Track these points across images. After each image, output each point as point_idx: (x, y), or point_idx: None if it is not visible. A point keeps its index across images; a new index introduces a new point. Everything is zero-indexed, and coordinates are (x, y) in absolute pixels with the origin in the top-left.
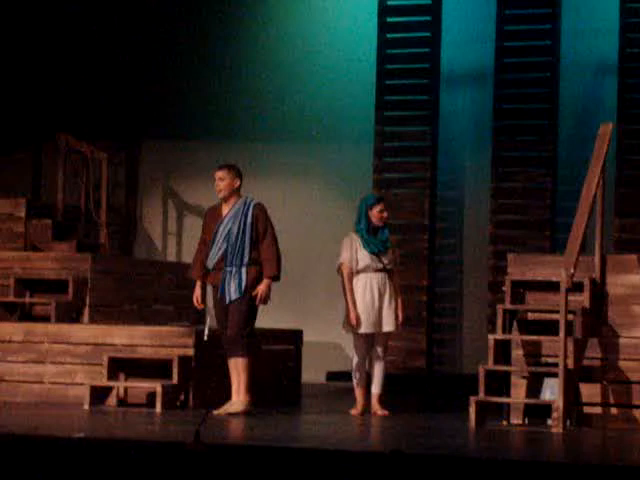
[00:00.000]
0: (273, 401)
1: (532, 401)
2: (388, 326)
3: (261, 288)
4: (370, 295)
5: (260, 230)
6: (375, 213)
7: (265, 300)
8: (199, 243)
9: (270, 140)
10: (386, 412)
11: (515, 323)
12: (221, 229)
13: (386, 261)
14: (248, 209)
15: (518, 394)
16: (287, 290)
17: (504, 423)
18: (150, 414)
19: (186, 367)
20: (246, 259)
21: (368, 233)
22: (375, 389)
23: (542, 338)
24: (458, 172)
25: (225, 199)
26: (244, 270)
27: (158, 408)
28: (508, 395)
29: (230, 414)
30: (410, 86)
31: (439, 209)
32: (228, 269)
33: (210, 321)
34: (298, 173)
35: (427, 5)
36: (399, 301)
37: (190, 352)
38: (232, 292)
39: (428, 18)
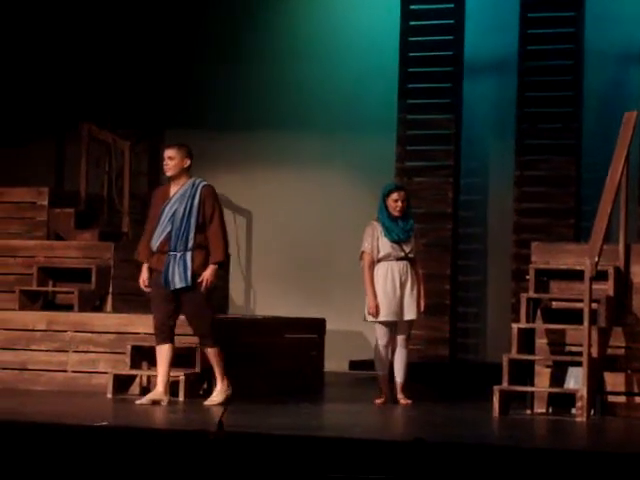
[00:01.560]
0: (296, 390)
1: (556, 390)
2: (410, 314)
3: (206, 274)
4: (391, 283)
5: (207, 213)
6: (391, 202)
7: (211, 286)
8: (147, 223)
9: (292, 129)
10: (409, 401)
11: (539, 312)
12: (167, 210)
13: (408, 249)
14: (196, 190)
15: (542, 383)
16: (310, 279)
17: (528, 412)
18: (173, 403)
19: None
20: (191, 243)
21: (389, 221)
22: (398, 378)
23: (566, 327)
24: (482, 160)
25: (173, 179)
26: (189, 255)
27: (181, 397)
28: (532, 384)
29: (215, 404)
30: (433, 74)
31: (462, 197)
32: (172, 253)
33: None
34: (320, 162)
35: None
36: (421, 289)
37: None
38: (177, 280)
39: (451, 5)
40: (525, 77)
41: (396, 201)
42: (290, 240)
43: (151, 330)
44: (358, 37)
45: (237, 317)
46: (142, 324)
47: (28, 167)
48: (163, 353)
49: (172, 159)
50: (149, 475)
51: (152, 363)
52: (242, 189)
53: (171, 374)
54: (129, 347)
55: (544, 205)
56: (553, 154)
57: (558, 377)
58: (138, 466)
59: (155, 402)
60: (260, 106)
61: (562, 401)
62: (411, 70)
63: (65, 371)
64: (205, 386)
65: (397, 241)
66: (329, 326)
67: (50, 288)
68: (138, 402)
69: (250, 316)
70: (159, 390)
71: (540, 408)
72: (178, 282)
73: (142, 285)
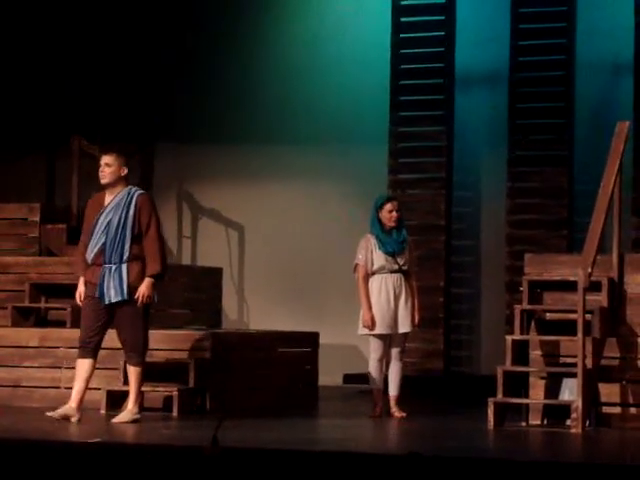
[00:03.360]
0: (290, 404)
1: (551, 402)
2: (404, 327)
3: (142, 289)
4: (385, 296)
5: (143, 223)
6: (385, 214)
7: (148, 301)
8: (81, 234)
9: (283, 142)
10: (404, 414)
11: (533, 323)
12: (101, 220)
13: (402, 262)
14: (131, 199)
15: (537, 395)
16: (303, 292)
17: (523, 424)
18: (167, 418)
19: (202, 371)
20: (126, 255)
21: (383, 233)
22: (392, 391)
23: (560, 338)
24: (474, 172)
25: (109, 187)
26: (124, 267)
27: (175, 412)
28: (527, 396)
29: (118, 422)
30: (425, 86)
31: (455, 209)
32: (107, 266)
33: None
34: (313, 175)
35: (441, 4)
36: (415, 302)
37: (206, 355)
38: (112, 293)
39: (442, 17)
40: (517, 88)
41: (390, 211)
42: (283, 253)
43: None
44: (349, 50)
45: (230, 332)
46: None
47: (19, 183)
48: (83, 368)
49: (109, 166)
50: None
51: (145, 378)
52: (234, 202)
53: (165, 389)
54: (122, 363)
55: (537, 217)
56: (545, 165)
57: (553, 389)
58: None
59: (66, 417)
60: (251, 120)
61: (557, 413)
62: (402, 83)
63: (58, 387)
64: (199, 402)
65: (391, 253)
66: (323, 340)
67: (43, 304)
68: (49, 414)
69: (243, 330)
70: (72, 406)
71: (535, 420)
72: (114, 296)
73: (78, 300)
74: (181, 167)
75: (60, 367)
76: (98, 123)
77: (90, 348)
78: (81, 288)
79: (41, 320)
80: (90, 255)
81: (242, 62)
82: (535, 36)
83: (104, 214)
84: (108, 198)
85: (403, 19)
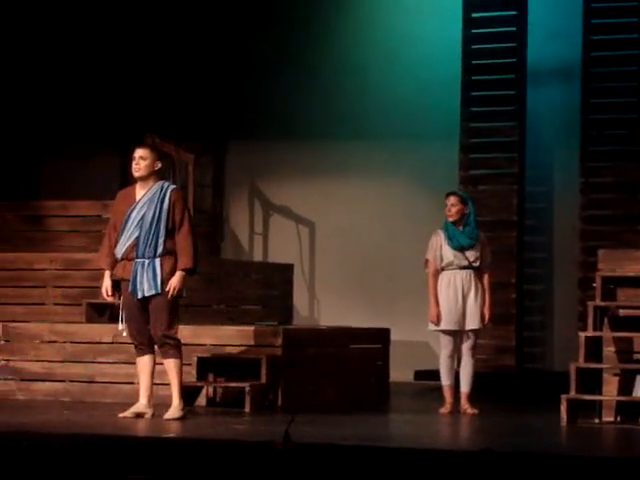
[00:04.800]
0: (361, 400)
1: (624, 398)
2: (472, 324)
3: (173, 281)
4: (453, 292)
5: (177, 218)
6: (446, 209)
7: (179, 295)
8: (108, 229)
9: (353, 139)
10: (476, 411)
11: (606, 320)
12: (133, 215)
13: (472, 258)
14: (165, 194)
15: (610, 391)
16: (373, 288)
17: (596, 421)
18: (239, 414)
19: (274, 366)
20: (160, 249)
21: (451, 229)
22: (464, 387)
23: (634, 334)
24: (546, 167)
25: (142, 181)
26: (158, 262)
27: (247, 408)
28: (600, 393)
29: (169, 420)
30: (496, 81)
31: (527, 205)
32: (139, 260)
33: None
34: (384, 172)
35: None
36: (487, 299)
37: (278, 352)
38: (145, 287)
39: (514, 12)
40: (590, 83)
41: (447, 207)
42: (353, 249)
43: (218, 341)
44: (420, 46)
45: (302, 328)
46: (208, 335)
47: (93, 181)
48: (144, 365)
49: (144, 159)
50: None
51: (218, 374)
52: (304, 199)
53: (237, 385)
54: (195, 358)
55: (610, 212)
56: (619, 160)
57: (626, 385)
58: (207, 478)
59: (139, 415)
60: (323, 116)
61: (631, 409)
62: (474, 78)
63: (132, 383)
64: (271, 398)
65: (459, 249)
66: (394, 336)
67: (116, 300)
68: (121, 415)
69: (314, 326)
70: (142, 403)
71: (608, 417)
72: (147, 290)
73: (105, 294)
74: (252, 164)
75: (134, 362)
76: (171, 121)
77: (145, 344)
78: (107, 282)
79: (115, 316)
80: (121, 250)
81: (311, 60)
82: (608, 31)
83: (137, 209)
84: (140, 192)
85: (475, 14)
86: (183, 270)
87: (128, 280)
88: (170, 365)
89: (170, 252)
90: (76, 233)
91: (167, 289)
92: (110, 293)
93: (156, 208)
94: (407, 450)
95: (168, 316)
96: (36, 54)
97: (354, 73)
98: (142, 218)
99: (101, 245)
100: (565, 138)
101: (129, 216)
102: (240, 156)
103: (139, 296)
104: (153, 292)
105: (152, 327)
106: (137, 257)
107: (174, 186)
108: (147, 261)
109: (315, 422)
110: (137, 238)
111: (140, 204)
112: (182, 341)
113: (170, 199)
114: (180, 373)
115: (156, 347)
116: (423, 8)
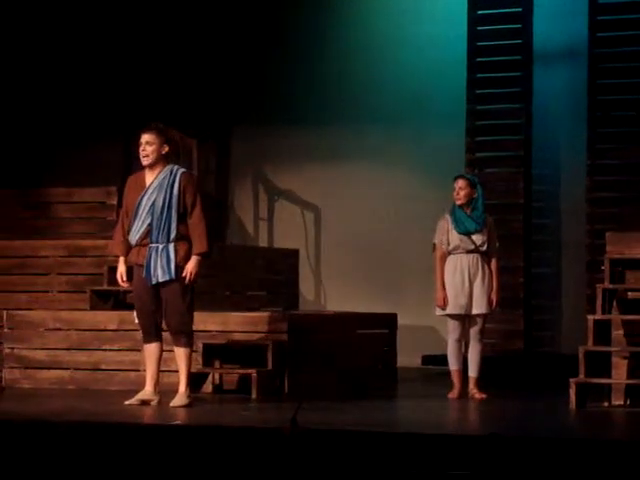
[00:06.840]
0: (368, 386)
1: (633, 381)
2: (479, 308)
3: (189, 267)
4: (460, 276)
5: (188, 202)
6: (454, 193)
7: (195, 280)
8: (120, 215)
9: (359, 123)
10: (484, 395)
11: (615, 302)
12: (144, 201)
13: (479, 242)
14: (174, 179)
15: (619, 375)
16: (380, 273)
17: (605, 404)
18: (245, 400)
19: (280, 353)
20: (173, 234)
21: (458, 213)
22: (472, 372)
23: None
24: (553, 150)
25: (150, 166)
26: (172, 247)
27: (253, 394)
28: (609, 376)
29: (175, 407)
30: (502, 63)
31: (534, 188)
32: (153, 246)
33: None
34: (389, 156)
35: None
36: (494, 283)
37: (284, 337)
38: (159, 273)
39: None
40: (597, 64)
41: (455, 190)
42: (359, 235)
43: (222, 328)
44: (425, 28)
45: (308, 313)
46: (213, 322)
47: (97, 167)
48: (151, 352)
49: (150, 144)
50: (226, 473)
51: (224, 361)
52: (310, 184)
53: (243, 371)
54: (201, 345)
55: (618, 194)
56: (626, 142)
57: (635, 368)
58: (214, 464)
59: (144, 402)
60: (327, 101)
61: None
62: (479, 60)
63: (138, 370)
64: (277, 384)
65: (466, 233)
66: (401, 321)
67: (120, 287)
68: (127, 402)
69: (321, 312)
70: (148, 390)
71: (618, 400)
72: (161, 275)
73: (120, 281)
74: (257, 150)
75: (139, 350)
76: (175, 106)
77: (152, 332)
78: (122, 268)
79: (119, 303)
80: (135, 236)
81: (317, 43)
82: (614, 11)
83: (147, 195)
84: (149, 178)
85: None
86: (199, 254)
87: (141, 265)
88: (180, 353)
89: (184, 237)
90: (80, 220)
91: (184, 274)
92: (125, 279)
93: (166, 193)
94: (415, 435)
95: (183, 304)
96: (39, 42)
97: (358, 56)
98: (153, 204)
99: (114, 232)
100: (572, 120)
101: (140, 203)
102: (244, 141)
103: (153, 282)
104: (167, 278)
105: (167, 315)
106: (151, 242)
107: (183, 169)
108: (161, 246)
109: (322, 408)
110: (150, 225)
111: (150, 190)
112: None
113: (180, 183)
114: (189, 362)
115: (164, 334)
116: None
